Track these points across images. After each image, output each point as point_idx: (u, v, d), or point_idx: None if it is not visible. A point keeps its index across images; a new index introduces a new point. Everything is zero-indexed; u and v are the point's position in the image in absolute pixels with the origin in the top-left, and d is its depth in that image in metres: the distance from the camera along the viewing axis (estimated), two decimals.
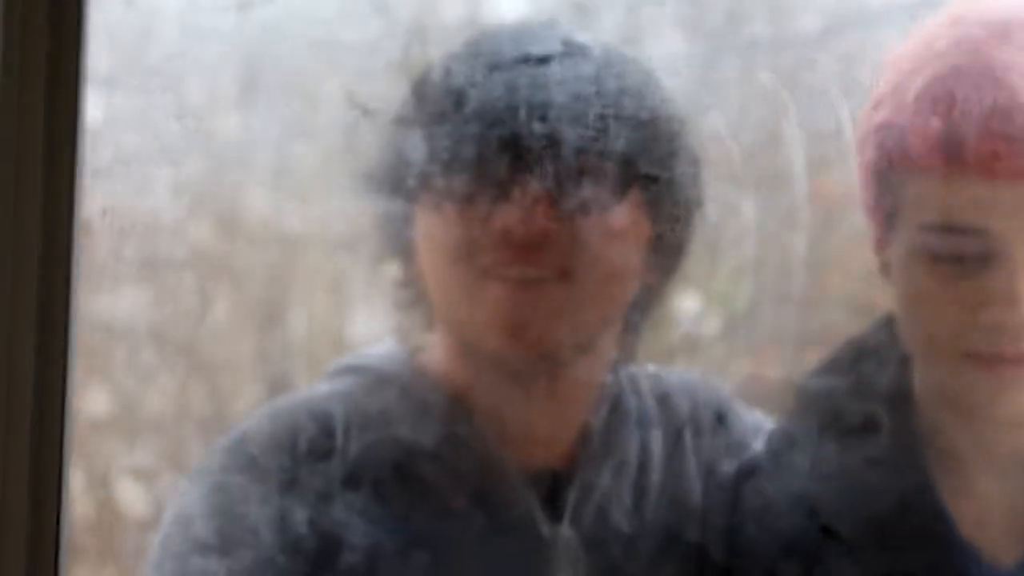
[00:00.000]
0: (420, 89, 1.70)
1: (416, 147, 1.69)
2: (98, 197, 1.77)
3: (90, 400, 1.87)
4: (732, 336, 1.99)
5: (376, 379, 1.74)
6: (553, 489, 1.70)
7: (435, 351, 1.75)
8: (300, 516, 1.69)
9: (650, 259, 1.70)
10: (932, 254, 1.65)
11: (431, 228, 1.69)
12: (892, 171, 1.67)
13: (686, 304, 1.99)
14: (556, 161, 1.64)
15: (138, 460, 2.01)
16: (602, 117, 1.66)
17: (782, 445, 1.74)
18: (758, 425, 1.78)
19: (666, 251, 1.71)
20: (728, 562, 1.73)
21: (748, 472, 1.75)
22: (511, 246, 1.64)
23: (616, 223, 1.67)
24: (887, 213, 1.69)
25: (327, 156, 1.81)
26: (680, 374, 1.81)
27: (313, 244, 1.91)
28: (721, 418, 1.78)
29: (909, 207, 1.66)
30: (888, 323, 1.74)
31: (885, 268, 1.71)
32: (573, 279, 1.66)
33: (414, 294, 1.74)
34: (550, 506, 1.69)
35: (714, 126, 1.78)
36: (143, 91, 1.80)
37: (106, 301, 1.84)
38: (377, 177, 1.73)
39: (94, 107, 1.73)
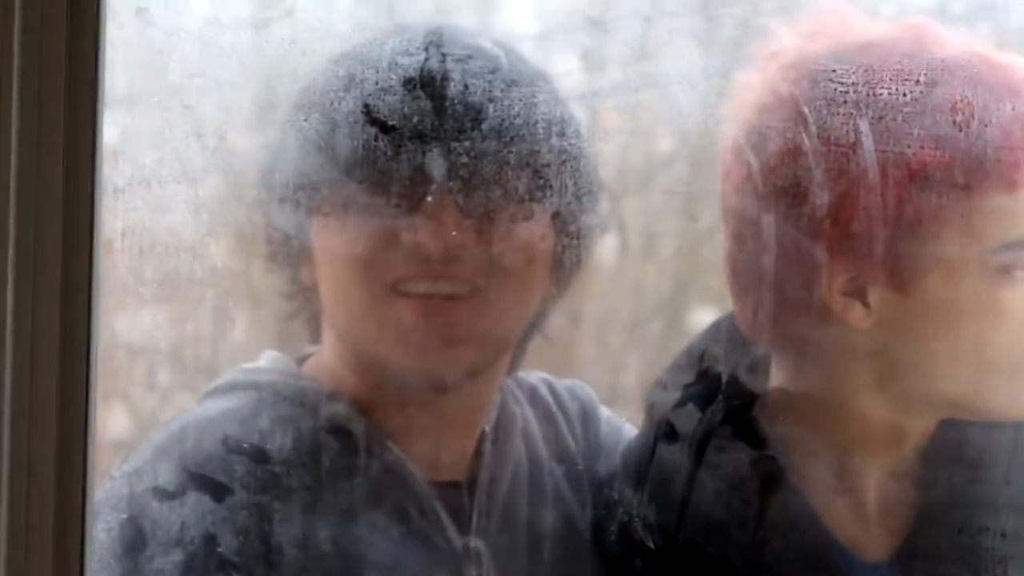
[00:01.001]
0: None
1: (316, 157, 1.69)
2: (119, 216, 1.77)
3: (108, 418, 1.87)
4: None
5: (268, 394, 1.72)
6: (458, 500, 1.71)
7: (324, 363, 1.73)
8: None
9: (552, 272, 1.70)
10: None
11: (333, 241, 1.67)
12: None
13: (702, 317, 1.99)
14: (466, 175, 1.64)
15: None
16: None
17: (806, 459, 1.75)
18: (617, 423, 1.81)
19: (568, 264, 1.71)
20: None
21: (622, 469, 1.77)
22: (420, 261, 1.63)
23: (525, 237, 1.67)
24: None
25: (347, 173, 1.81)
26: (540, 375, 1.81)
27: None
28: (586, 415, 1.79)
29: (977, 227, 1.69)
30: (723, 328, 1.77)
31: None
32: (484, 295, 1.65)
33: (299, 305, 1.73)
34: (456, 517, 1.70)
35: (733, 139, 1.79)
36: (162, 109, 1.80)
37: (126, 320, 1.84)
38: (270, 184, 1.72)
39: (113, 126, 1.73)
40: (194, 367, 1.91)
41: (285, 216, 1.71)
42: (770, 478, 1.75)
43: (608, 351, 2.01)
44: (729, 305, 1.96)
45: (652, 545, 1.75)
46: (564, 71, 1.87)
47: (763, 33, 1.84)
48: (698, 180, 1.90)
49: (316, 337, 1.74)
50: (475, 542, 1.68)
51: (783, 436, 1.74)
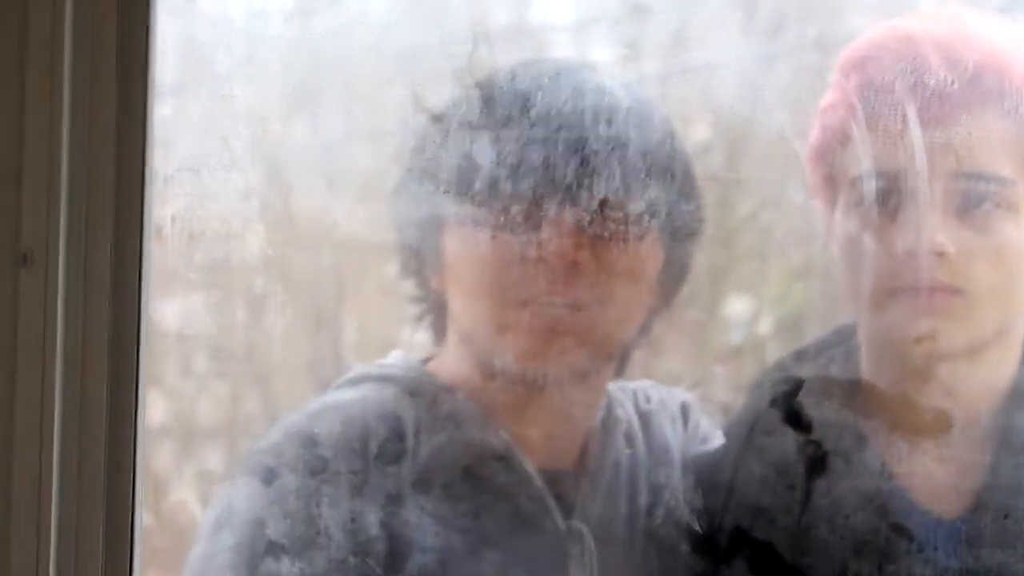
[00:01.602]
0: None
1: (451, 177, 1.78)
2: (168, 203, 1.78)
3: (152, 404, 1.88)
4: (786, 337, 2.00)
5: (398, 386, 1.82)
6: (564, 488, 1.81)
7: (448, 362, 1.84)
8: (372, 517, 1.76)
9: (659, 286, 1.81)
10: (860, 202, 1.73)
11: (466, 255, 1.79)
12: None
13: (739, 306, 2.00)
14: (590, 195, 1.76)
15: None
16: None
17: (852, 443, 1.76)
18: (709, 424, 1.91)
19: (673, 279, 1.83)
20: (797, 560, 1.76)
21: (710, 458, 1.84)
22: (547, 277, 1.76)
23: (640, 254, 1.78)
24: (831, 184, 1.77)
25: (393, 161, 1.82)
26: (644, 382, 1.92)
27: (377, 250, 1.92)
28: (684, 414, 1.90)
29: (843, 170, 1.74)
30: (848, 327, 1.81)
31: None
32: (597, 307, 1.77)
33: (428, 308, 1.85)
34: (561, 503, 1.81)
35: (778, 126, 1.80)
36: (210, 98, 1.81)
37: (174, 306, 1.85)
38: (406, 199, 1.82)
39: (162, 115, 1.75)
40: (241, 353, 1.92)
41: (418, 225, 1.81)
42: (816, 462, 1.77)
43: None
44: (763, 293, 1.99)
45: (699, 529, 1.78)
46: (602, 60, 1.88)
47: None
48: (737, 168, 1.91)
49: (440, 339, 1.85)
50: (578, 525, 1.80)
51: (830, 420, 1.76)
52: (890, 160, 1.74)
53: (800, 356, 1.83)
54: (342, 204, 1.87)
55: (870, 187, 1.73)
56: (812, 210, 1.85)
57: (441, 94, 1.76)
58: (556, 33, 1.98)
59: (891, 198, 1.74)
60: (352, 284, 1.97)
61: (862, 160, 1.72)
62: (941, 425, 1.75)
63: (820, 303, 1.98)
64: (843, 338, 1.83)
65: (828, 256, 1.83)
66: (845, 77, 1.76)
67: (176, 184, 1.80)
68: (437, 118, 1.77)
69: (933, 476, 1.76)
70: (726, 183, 1.94)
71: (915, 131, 1.71)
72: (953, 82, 1.71)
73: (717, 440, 1.88)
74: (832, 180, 1.78)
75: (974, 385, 1.77)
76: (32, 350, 1.69)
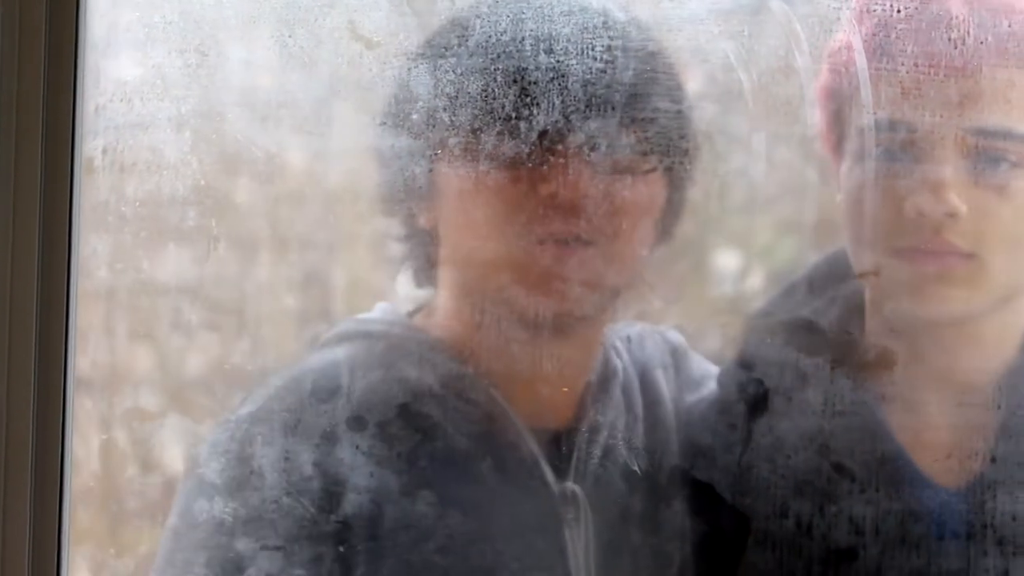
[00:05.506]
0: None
1: (442, 111, 1.73)
2: (99, 134, 1.75)
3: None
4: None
5: (382, 344, 1.77)
6: (558, 447, 1.76)
7: (438, 312, 1.78)
8: (306, 458, 1.71)
9: (660, 222, 1.77)
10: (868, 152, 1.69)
11: (460, 190, 1.73)
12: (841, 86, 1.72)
13: (727, 260, 1.98)
14: (593, 128, 1.72)
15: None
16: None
17: (793, 382, 1.74)
18: (705, 366, 1.86)
19: (671, 219, 1.78)
20: (737, 500, 1.73)
21: (707, 403, 1.81)
22: (551, 211, 1.71)
23: (644, 190, 1.74)
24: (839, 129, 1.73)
25: (331, 90, 1.79)
26: (636, 325, 1.87)
27: (313, 181, 1.89)
28: (677, 359, 1.85)
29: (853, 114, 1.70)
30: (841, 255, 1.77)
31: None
32: (605, 243, 1.73)
33: (411, 248, 1.79)
34: (554, 463, 1.76)
35: (724, 56, 1.77)
36: (144, 26, 1.78)
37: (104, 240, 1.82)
38: (392, 119, 1.76)
39: (94, 42, 1.72)
40: (177, 286, 1.89)
41: (402, 156, 1.76)
42: (757, 401, 1.74)
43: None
44: (753, 246, 1.96)
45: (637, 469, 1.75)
46: None
47: None
48: (724, 119, 1.88)
49: (426, 281, 1.79)
50: (572, 487, 1.75)
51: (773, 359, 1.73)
52: (902, 111, 1.69)
53: (796, 291, 1.79)
54: (277, 135, 1.83)
55: (879, 138, 1.69)
56: (800, 163, 1.82)
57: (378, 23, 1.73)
58: None
59: (902, 152, 1.69)
60: (288, 213, 1.93)
61: (868, 108, 1.67)
62: (885, 363, 1.73)
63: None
64: (843, 274, 1.78)
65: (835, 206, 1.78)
66: (858, 20, 1.70)
67: (107, 114, 1.76)
68: (372, 44, 1.73)
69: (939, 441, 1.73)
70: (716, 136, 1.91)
71: (930, 82, 1.66)
72: (978, 32, 1.66)
73: (711, 380, 1.83)
74: (839, 126, 1.73)
75: (982, 347, 1.73)
76: None
